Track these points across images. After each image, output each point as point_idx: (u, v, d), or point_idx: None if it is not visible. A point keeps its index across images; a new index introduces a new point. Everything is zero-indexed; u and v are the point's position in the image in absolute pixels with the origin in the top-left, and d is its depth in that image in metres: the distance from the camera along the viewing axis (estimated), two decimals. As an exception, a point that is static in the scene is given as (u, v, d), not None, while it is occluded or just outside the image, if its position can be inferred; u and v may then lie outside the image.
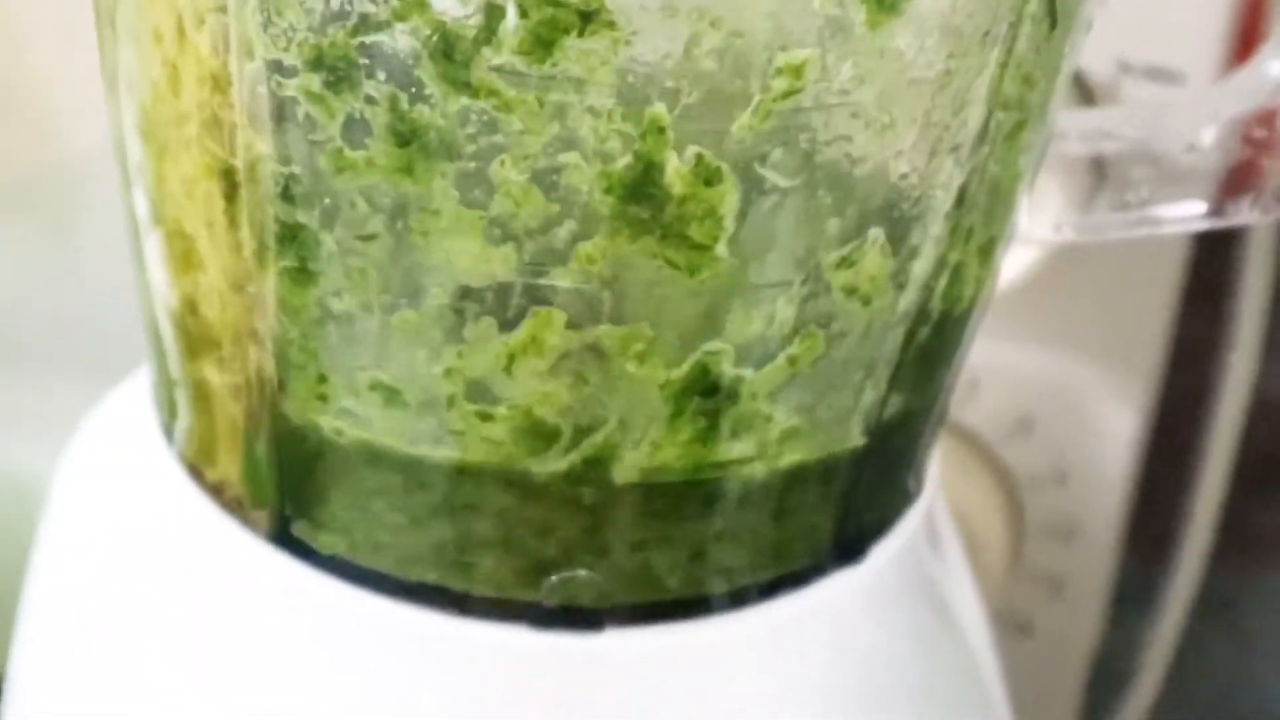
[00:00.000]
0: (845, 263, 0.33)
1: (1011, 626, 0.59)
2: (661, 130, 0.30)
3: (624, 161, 0.31)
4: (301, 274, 0.33)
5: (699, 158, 0.31)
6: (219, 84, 0.32)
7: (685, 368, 0.33)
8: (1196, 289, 0.56)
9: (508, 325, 0.32)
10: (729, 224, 0.31)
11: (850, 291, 0.33)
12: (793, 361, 0.33)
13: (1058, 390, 0.56)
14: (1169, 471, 0.59)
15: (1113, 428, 0.56)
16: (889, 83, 0.31)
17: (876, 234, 0.33)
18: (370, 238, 0.32)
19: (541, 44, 0.29)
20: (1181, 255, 0.55)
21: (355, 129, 0.31)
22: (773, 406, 0.34)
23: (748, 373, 0.33)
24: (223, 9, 0.31)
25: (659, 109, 0.30)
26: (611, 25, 0.29)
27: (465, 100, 0.30)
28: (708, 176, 0.31)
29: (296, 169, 0.32)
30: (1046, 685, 0.59)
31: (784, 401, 0.34)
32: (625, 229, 0.31)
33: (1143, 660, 0.61)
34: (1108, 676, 0.62)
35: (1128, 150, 0.40)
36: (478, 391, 0.33)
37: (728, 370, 0.33)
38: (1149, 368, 0.56)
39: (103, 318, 0.51)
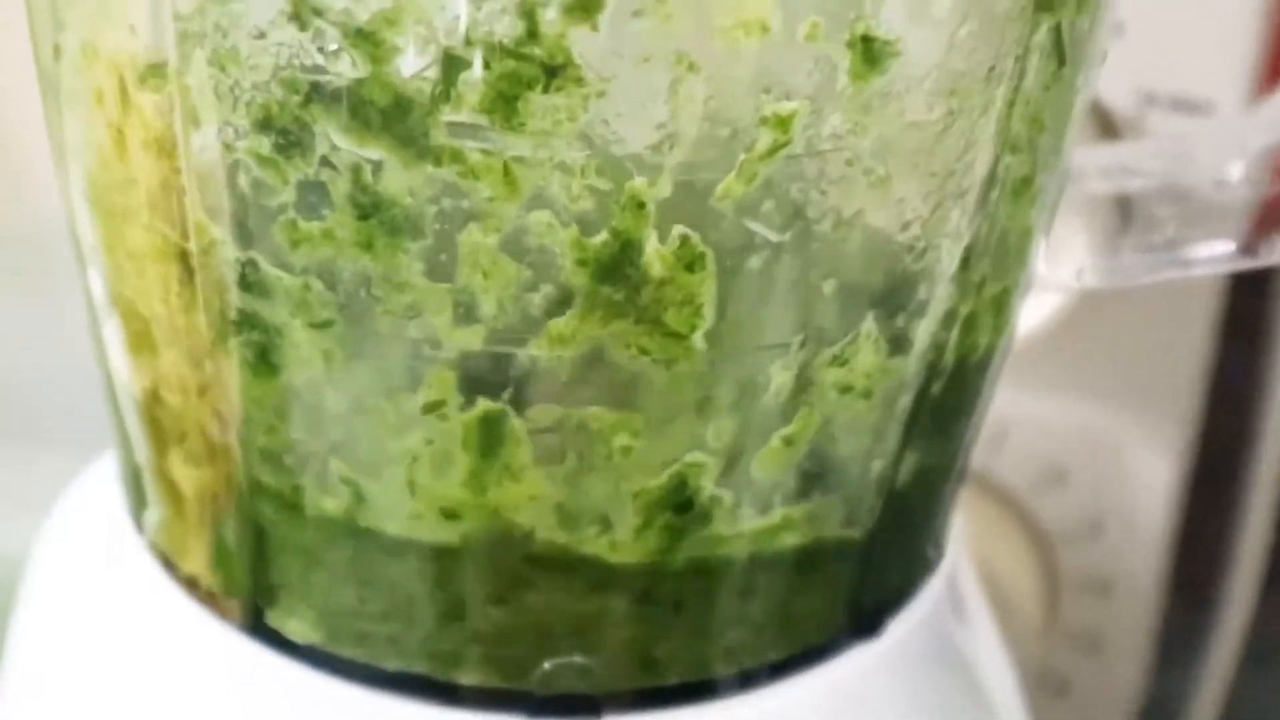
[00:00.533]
0: (837, 361, 0.31)
1: (1049, 687, 0.56)
2: (640, 206, 0.28)
3: (600, 237, 0.28)
4: (262, 364, 0.30)
5: (684, 240, 0.28)
6: (164, 149, 0.30)
7: (664, 478, 0.30)
8: (1233, 326, 0.53)
9: (482, 403, 0.30)
10: (709, 313, 0.29)
11: (845, 389, 0.31)
12: (789, 442, 0.31)
13: (1090, 439, 0.54)
14: (1210, 519, 0.56)
15: (1148, 476, 0.54)
16: (885, 128, 0.29)
17: (870, 329, 0.31)
18: (326, 324, 0.30)
19: (504, 100, 0.27)
20: (1216, 292, 0.52)
21: (311, 197, 0.29)
22: (769, 496, 0.32)
23: (726, 494, 0.31)
24: (163, 71, 0.29)
25: (638, 183, 0.28)
26: (579, 80, 0.27)
27: (427, 168, 0.28)
28: (690, 261, 0.29)
29: (253, 252, 0.30)
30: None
31: (781, 487, 0.32)
32: (599, 309, 0.29)
33: (1188, 717, 0.58)
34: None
35: (1152, 187, 0.37)
36: (449, 477, 0.30)
37: (706, 487, 0.31)
38: (1185, 411, 0.53)
39: (85, 387, 0.49)
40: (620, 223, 0.28)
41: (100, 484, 0.39)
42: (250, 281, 0.30)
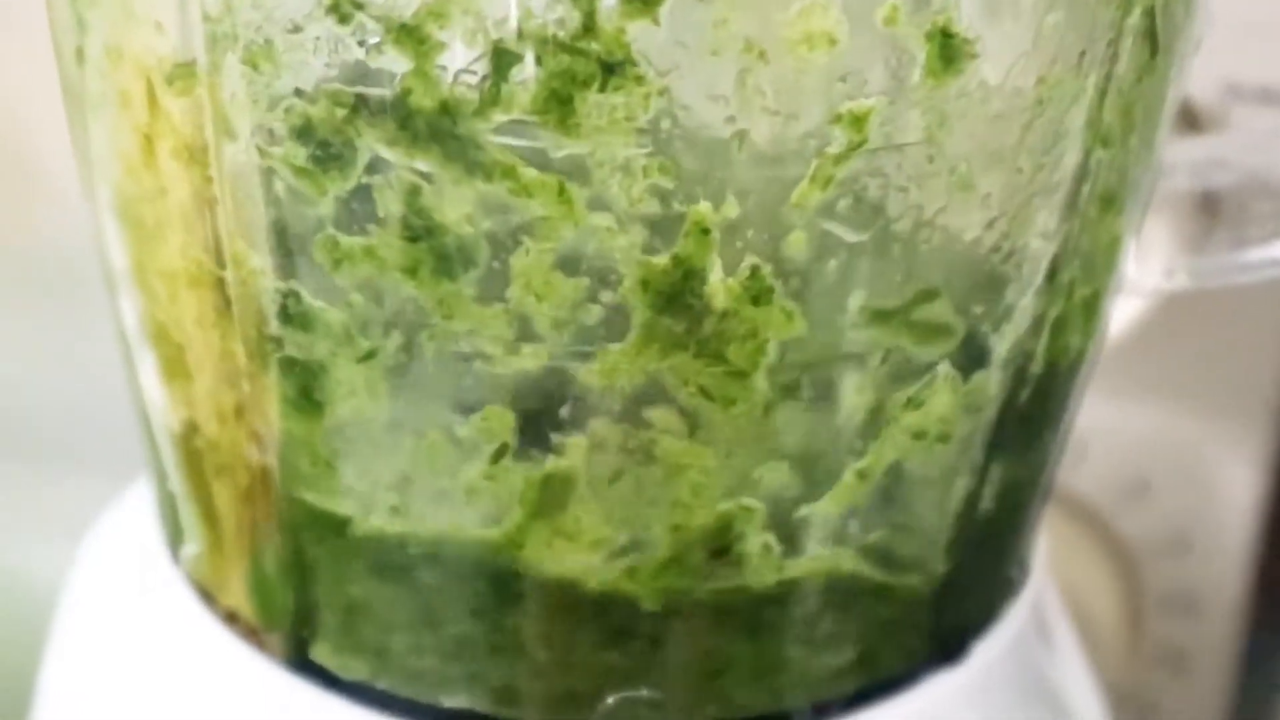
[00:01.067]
0: (912, 404, 0.29)
1: (1133, 709, 0.54)
2: (705, 232, 0.26)
3: (662, 260, 0.26)
4: (304, 400, 0.29)
5: (753, 270, 0.26)
6: (195, 157, 0.28)
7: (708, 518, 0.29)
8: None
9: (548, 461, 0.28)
10: (772, 350, 0.27)
11: (919, 435, 0.29)
12: (862, 476, 0.29)
13: (1173, 450, 0.51)
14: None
15: (1233, 487, 0.52)
16: (968, 121, 0.27)
17: (946, 370, 0.29)
18: (370, 355, 0.28)
19: (558, 100, 0.25)
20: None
21: (353, 211, 0.27)
22: (840, 528, 0.30)
23: (771, 540, 0.29)
24: (192, 71, 0.27)
25: (703, 208, 0.26)
26: (639, 79, 0.25)
27: (477, 184, 0.26)
28: (756, 294, 0.27)
29: (293, 283, 0.28)
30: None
31: (857, 519, 0.30)
32: (657, 341, 0.27)
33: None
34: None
35: (1242, 182, 0.35)
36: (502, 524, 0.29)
37: (751, 536, 0.29)
38: (1270, 419, 0.51)
39: (115, 408, 0.48)
40: (683, 249, 0.26)
41: (134, 512, 0.37)
42: (291, 314, 0.28)
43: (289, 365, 0.29)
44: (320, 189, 0.27)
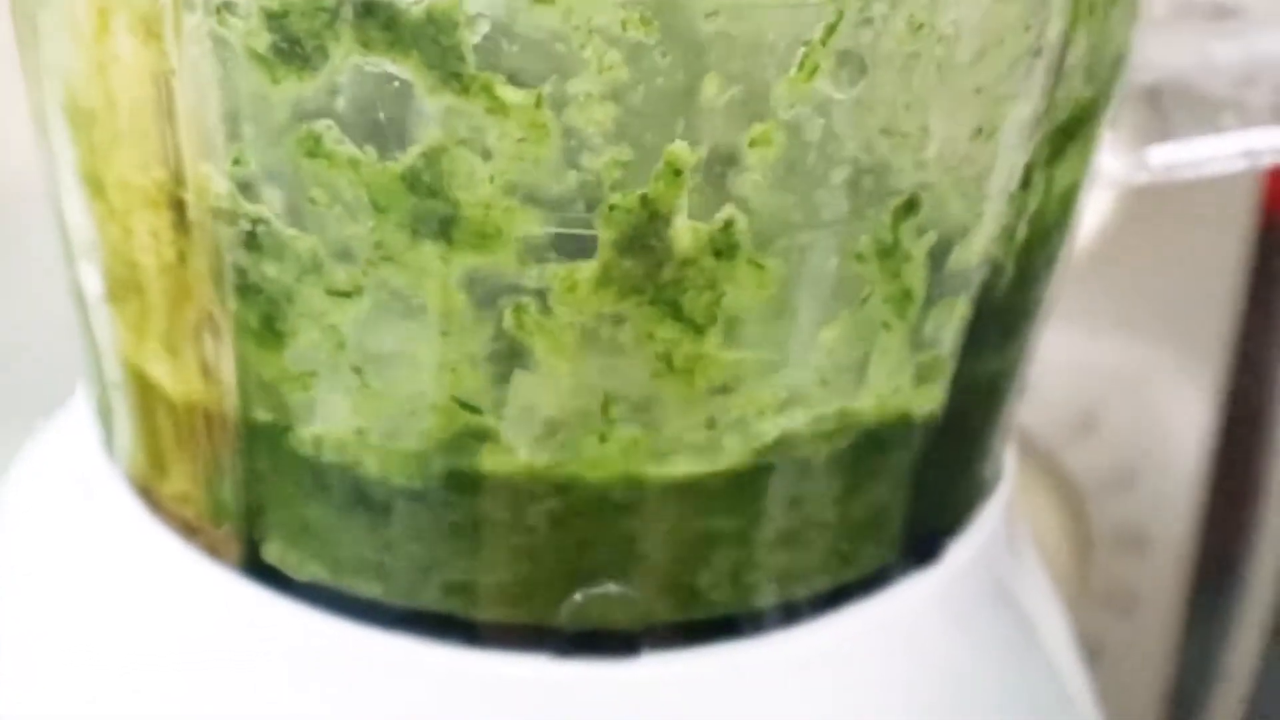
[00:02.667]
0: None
1: (1081, 648, 0.53)
2: (677, 173, 0.26)
3: (628, 200, 0.26)
4: (266, 331, 0.28)
5: (727, 224, 0.26)
6: (152, 30, 0.27)
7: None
8: (1265, 257, 0.51)
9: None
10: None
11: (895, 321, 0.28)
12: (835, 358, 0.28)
13: (1121, 384, 0.51)
14: (1243, 464, 0.54)
15: (1183, 422, 0.51)
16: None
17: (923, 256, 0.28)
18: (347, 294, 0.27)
19: None
20: (1246, 220, 0.50)
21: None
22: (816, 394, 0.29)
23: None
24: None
25: (679, 147, 0.25)
26: None
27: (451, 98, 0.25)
28: (722, 246, 0.26)
29: (258, 206, 0.27)
30: (1120, 711, 0.54)
31: (832, 385, 0.29)
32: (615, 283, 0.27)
33: (1222, 679, 0.56)
34: (1185, 699, 0.56)
35: (1204, 74, 0.35)
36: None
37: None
38: (1220, 353, 0.51)
39: (38, 348, 0.46)
40: (653, 190, 0.26)
41: (59, 435, 0.36)
42: (260, 241, 0.27)
43: (251, 292, 0.28)
44: (275, 80, 0.26)
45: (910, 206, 0.28)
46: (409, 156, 0.26)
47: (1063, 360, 0.50)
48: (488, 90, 0.25)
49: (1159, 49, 0.36)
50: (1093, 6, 0.28)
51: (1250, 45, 0.36)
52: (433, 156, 0.26)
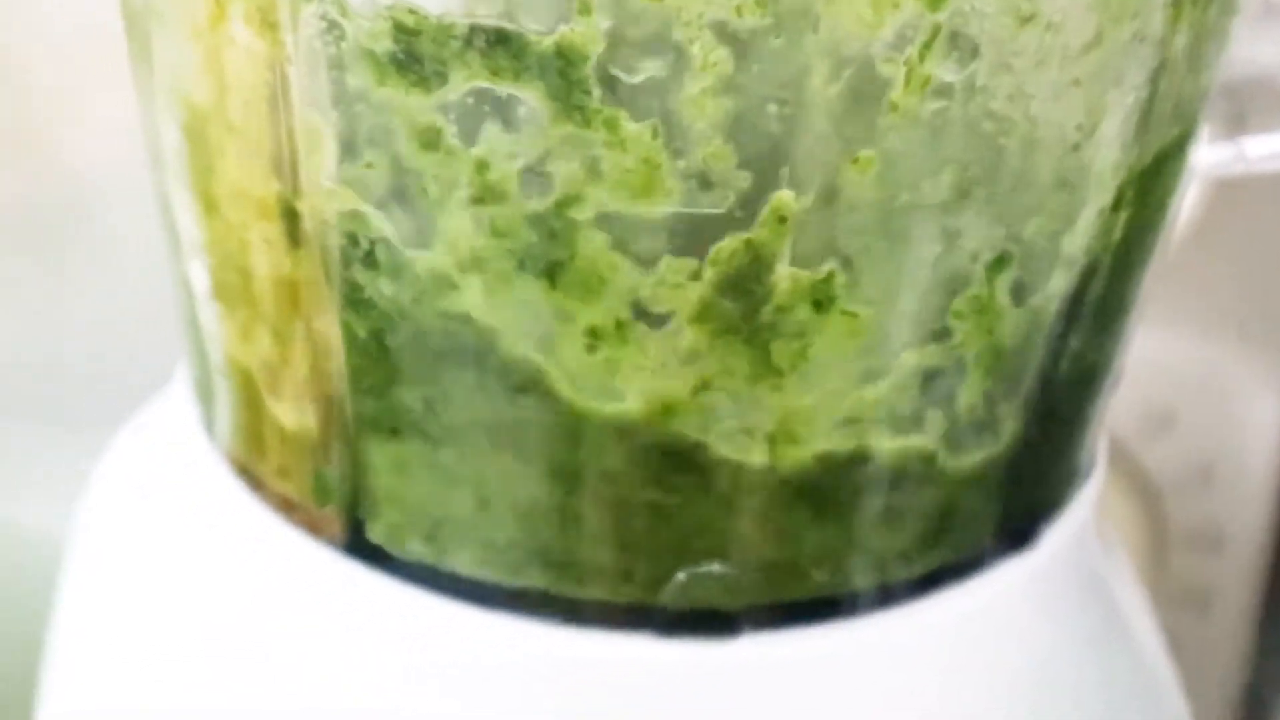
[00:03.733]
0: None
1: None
2: (782, 220, 0.26)
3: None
4: (374, 344, 0.29)
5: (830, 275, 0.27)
6: (268, 19, 0.27)
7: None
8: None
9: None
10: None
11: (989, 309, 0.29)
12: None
13: (1199, 382, 0.51)
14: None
15: (1260, 420, 0.51)
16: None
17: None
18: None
19: None
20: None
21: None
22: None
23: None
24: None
25: (785, 196, 0.26)
26: None
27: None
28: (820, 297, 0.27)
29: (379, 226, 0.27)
30: (1195, 707, 0.54)
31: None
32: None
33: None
34: (1259, 696, 0.56)
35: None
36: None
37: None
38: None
39: (108, 359, 0.49)
40: (758, 235, 0.26)
41: (160, 415, 0.36)
42: (378, 260, 0.28)
43: (363, 307, 0.28)
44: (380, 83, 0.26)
45: (1003, 259, 0.28)
46: (543, 201, 0.26)
47: (1140, 358, 0.50)
48: (610, 124, 0.25)
49: (1248, 44, 0.36)
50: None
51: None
52: (565, 203, 0.26)
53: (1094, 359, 0.32)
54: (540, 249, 0.27)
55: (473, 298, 0.27)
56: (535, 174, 0.26)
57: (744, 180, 0.26)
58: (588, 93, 0.25)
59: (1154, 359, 0.51)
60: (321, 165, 0.28)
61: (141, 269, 0.35)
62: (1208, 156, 0.34)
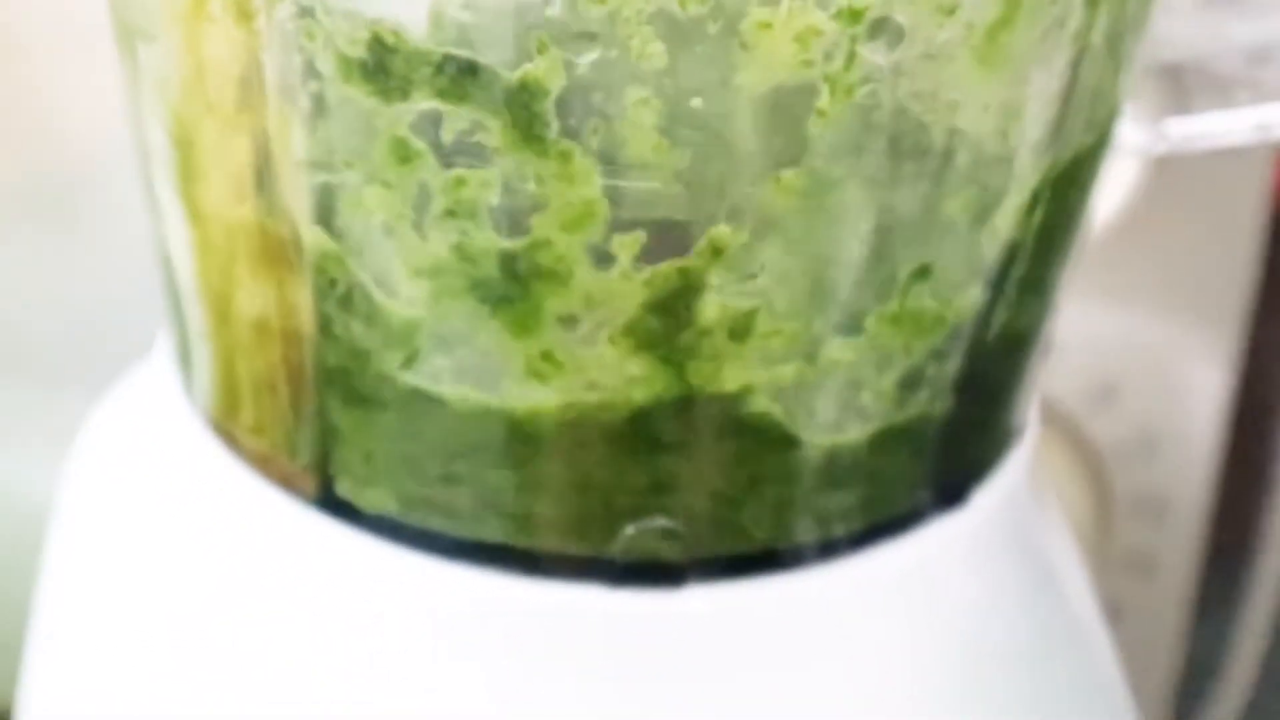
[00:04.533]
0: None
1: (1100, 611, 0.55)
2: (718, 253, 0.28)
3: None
4: (352, 393, 0.31)
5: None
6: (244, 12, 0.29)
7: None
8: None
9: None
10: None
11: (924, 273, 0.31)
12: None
13: (1141, 354, 0.53)
14: (1257, 434, 0.55)
15: (1201, 392, 0.53)
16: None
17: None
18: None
19: None
20: (1263, 198, 0.51)
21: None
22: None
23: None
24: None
25: (722, 230, 0.28)
26: None
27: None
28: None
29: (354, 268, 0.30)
30: (1138, 672, 0.56)
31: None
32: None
33: (1238, 644, 0.57)
34: (1202, 661, 0.58)
35: (1227, 51, 0.37)
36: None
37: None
38: (1236, 325, 0.52)
39: (105, 323, 0.50)
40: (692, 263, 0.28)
41: (133, 391, 0.38)
42: (354, 302, 0.30)
43: (337, 341, 0.30)
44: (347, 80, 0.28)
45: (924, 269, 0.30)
46: (514, 243, 0.28)
47: (1084, 332, 0.52)
48: (564, 157, 0.28)
49: (1178, 28, 0.38)
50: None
51: (1264, 26, 0.38)
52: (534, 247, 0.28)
53: (1021, 329, 0.34)
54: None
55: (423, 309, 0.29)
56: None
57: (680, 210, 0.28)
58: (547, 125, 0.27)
59: (1097, 332, 0.52)
60: (289, 147, 0.30)
61: (134, 237, 0.36)
62: (1131, 137, 0.36)
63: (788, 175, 0.28)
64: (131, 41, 0.32)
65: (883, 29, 0.28)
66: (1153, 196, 0.49)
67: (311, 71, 0.29)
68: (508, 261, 0.29)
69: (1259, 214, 0.52)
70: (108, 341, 0.43)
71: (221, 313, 0.33)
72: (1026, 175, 0.31)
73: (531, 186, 0.28)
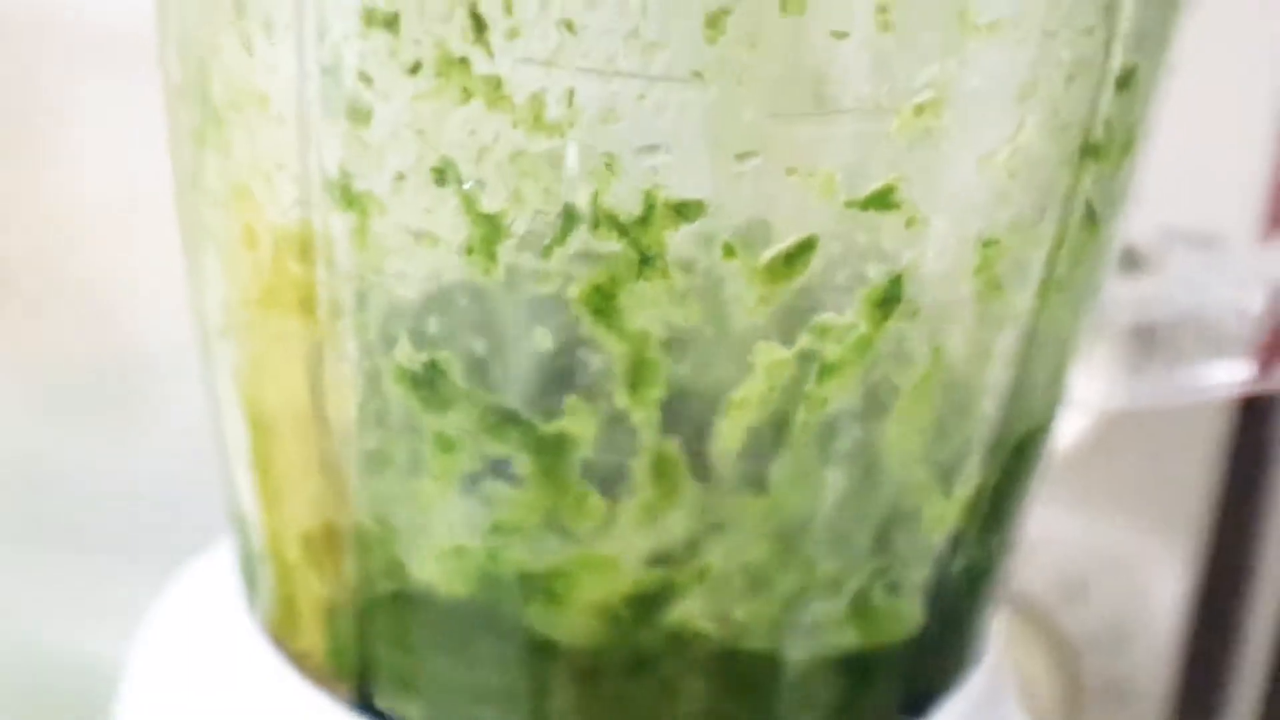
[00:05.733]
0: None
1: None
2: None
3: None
4: (381, 456, 0.34)
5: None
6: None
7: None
8: (1238, 450, 0.56)
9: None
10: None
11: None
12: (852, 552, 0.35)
13: (1109, 555, 0.56)
14: (1216, 630, 0.59)
15: (1165, 589, 0.56)
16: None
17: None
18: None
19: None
20: (1222, 419, 0.55)
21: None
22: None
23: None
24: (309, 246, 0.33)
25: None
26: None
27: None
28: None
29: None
30: None
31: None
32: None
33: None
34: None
35: (1177, 317, 0.41)
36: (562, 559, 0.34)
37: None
38: (1196, 531, 0.56)
39: (167, 505, 0.53)
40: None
41: (199, 583, 0.42)
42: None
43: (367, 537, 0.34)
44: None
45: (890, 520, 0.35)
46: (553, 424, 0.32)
47: (1057, 536, 0.56)
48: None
49: (1134, 291, 0.42)
50: (1060, 282, 0.35)
51: (1211, 290, 0.42)
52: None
53: (979, 571, 0.38)
54: None
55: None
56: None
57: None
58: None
59: (1068, 536, 0.56)
60: (345, 401, 0.34)
61: (198, 416, 0.40)
62: (1095, 392, 0.40)
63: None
64: (209, 341, 0.36)
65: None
66: (1118, 414, 0.53)
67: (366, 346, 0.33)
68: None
69: (1217, 429, 0.56)
70: (180, 513, 0.46)
71: (277, 540, 0.37)
72: (984, 450, 0.35)
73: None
